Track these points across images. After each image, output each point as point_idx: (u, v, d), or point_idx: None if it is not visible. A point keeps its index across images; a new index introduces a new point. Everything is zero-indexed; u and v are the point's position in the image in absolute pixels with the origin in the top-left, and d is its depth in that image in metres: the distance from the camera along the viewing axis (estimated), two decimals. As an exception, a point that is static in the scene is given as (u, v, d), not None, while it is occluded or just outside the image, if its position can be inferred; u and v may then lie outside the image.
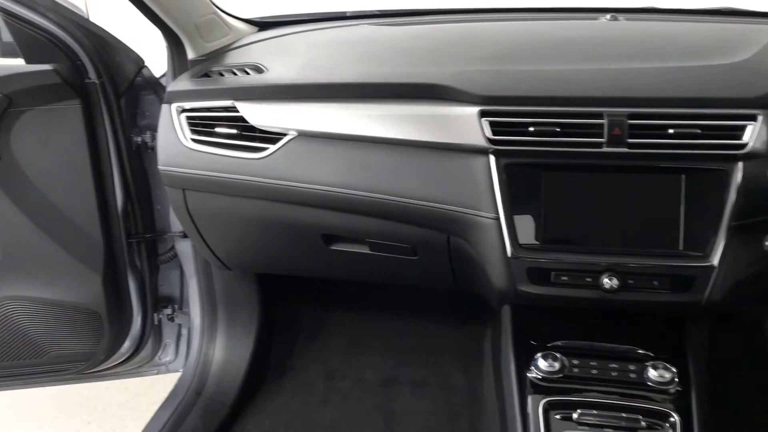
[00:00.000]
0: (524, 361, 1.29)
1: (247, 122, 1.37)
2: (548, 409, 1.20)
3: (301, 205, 1.39)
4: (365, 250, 1.47)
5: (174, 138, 1.42)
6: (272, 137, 1.37)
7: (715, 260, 1.17)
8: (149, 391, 2.38)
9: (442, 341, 2.11)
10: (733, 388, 1.78)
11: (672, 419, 1.17)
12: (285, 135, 1.36)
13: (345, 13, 1.94)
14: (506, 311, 1.42)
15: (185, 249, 1.85)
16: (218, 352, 1.98)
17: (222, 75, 1.47)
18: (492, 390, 1.78)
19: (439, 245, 1.36)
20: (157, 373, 2.07)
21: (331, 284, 2.19)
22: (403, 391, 1.98)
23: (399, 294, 2.18)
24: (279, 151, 1.36)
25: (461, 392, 1.96)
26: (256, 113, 1.37)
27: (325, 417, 1.91)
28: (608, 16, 1.66)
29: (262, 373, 2.03)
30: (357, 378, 2.03)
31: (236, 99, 1.38)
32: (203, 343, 1.97)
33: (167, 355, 2.04)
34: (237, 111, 1.38)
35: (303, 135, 1.35)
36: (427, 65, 1.37)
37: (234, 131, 1.38)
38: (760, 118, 1.16)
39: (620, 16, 1.66)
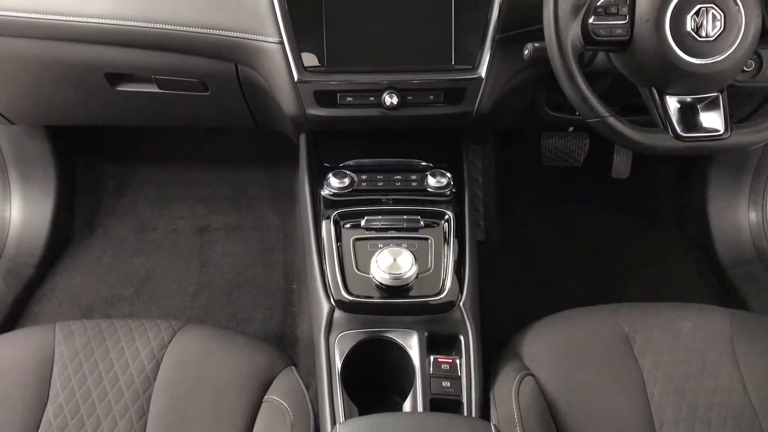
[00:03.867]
0: (317, 181, 1.36)
1: None
2: (338, 220, 1.29)
3: (76, 41, 1.31)
4: (153, 88, 1.43)
5: None
6: None
7: (483, 72, 1.27)
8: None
9: (254, 187, 2.14)
10: (503, 192, 2.01)
11: (447, 216, 1.30)
12: None
13: None
14: (302, 140, 1.46)
15: None
16: (15, 213, 1.88)
17: None
18: None
19: (228, 76, 1.35)
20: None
21: (133, 137, 2.12)
22: (218, 236, 2.02)
23: (207, 143, 2.16)
24: None
25: (274, 230, 2.03)
26: None
27: (138, 267, 1.92)
28: None
29: (67, 231, 1.97)
30: (169, 229, 2.03)
31: None
32: None
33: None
34: None
35: None
36: None
37: None
38: None
39: None
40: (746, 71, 1.40)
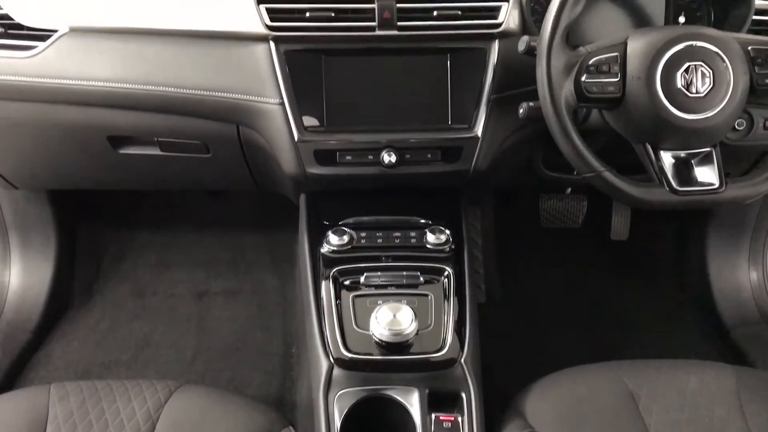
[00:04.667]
0: (317, 239, 1.36)
1: (13, 20, 1.29)
2: (337, 277, 1.28)
3: (80, 105, 1.34)
4: (156, 151, 1.45)
5: None
6: (42, 34, 1.30)
7: (479, 131, 1.30)
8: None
9: (254, 250, 2.14)
10: (503, 252, 2.02)
11: (446, 272, 1.30)
12: (56, 31, 1.29)
13: None
14: (302, 199, 1.48)
15: None
16: (14, 278, 1.88)
17: None
18: None
19: (229, 138, 1.38)
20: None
21: (133, 202, 2.14)
22: (216, 300, 2.01)
23: (207, 207, 2.18)
24: (50, 48, 1.29)
25: (274, 294, 2.02)
26: (22, 9, 1.29)
27: (136, 332, 1.90)
28: None
29: (66, 296, 1.96)
30: (168, 293, 2.03)
31: None
32: None
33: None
34: (0, 8, 1.29)
35: (75, 30, 1.29)
36: None
37: None
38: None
39: None
40: (738, 130, 1.43)
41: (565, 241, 2.13)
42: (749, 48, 1.11)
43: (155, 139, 1.42)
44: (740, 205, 1.84)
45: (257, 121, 1.31)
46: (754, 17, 1.32)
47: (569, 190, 1.98)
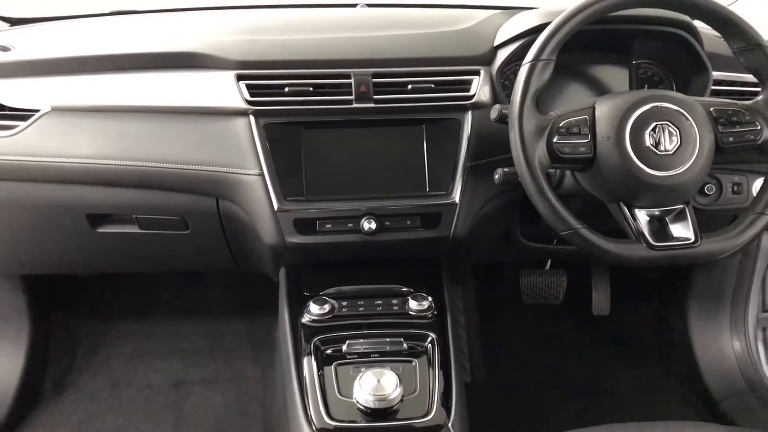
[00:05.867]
0: (297, 310, 1.35)
1: None
2: (319, 345, 1.26)
3: (59, 182, 1.35)
4: (134, 229, 1.45)
5: None
6: (23, 114, 1.32)
7: (457, 198, 1.32)
8: None
9: (233, 337, 2.10)
10: (486, 332, 2.00)
11: (430, 338, 1.28)
12: (37, 111, 1.32)
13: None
14: (282, 273, 1.47)
15: None
16: None
17: None
18: None
19: (208, 212, 1.38)
20: None
21: (108, 289, 2.10)
22: (193, 390, 1.95)
23: (183, 294, 2.15)
24: (30, 127, 1.31)
25: (253, 382, 1.97)
26: (4, 90, 1.32)
27: (110, 424, 1.82)
28: (363, 3, 1.82)
29: (38, 389, 1.89)
30: (144, 384, 1.96)
31: None
32: None
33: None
34: None
35: (57, 110, 1.32)
36: (183, 38, 1.41)
37: None
38: (482, 72, 1.34)
39: (374, 6, 1.84)
40: (708, 195, 1.47)
41: (548, 318, 2.12)
42: (711, 109, 1.16)
43: (134, 216, 1.42)
44: (716, 275, 1.87)
45: (237, 193, 1.32)
46: (713, 87, 1.39)
47: (549, 264, 2.00)
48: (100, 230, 1.46)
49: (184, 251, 1.56)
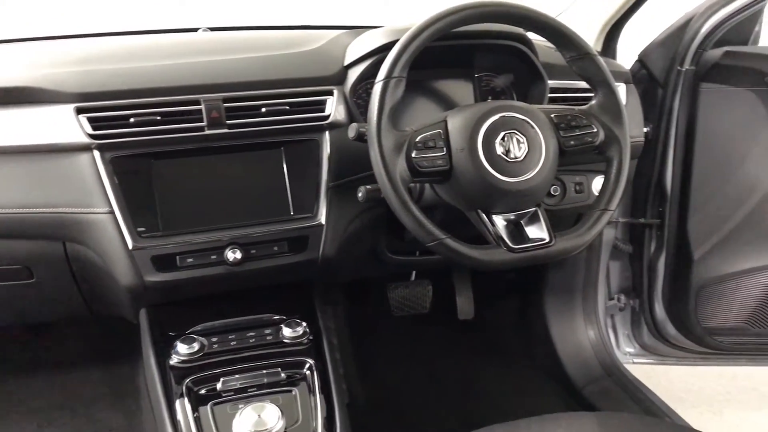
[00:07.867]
0: (164, 352, 1.27)
1: None
2: (192, 387, 1.20)
3: None
4: None
5: None
6: None
7: (322, 219, 1.31)
8: None
9: (91, 389, 1.95)
10: (360, 349, 2.01)
11: (308, 363, 1.26)
12: None
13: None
14: (142, 315, 1.38)
15: None
16: None
17: None
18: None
19: (56, 257, 1.27)
20: None
21: None
22: None
23: (32, 346, 1.97)
24: None
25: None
26: None
27: None
28: (205, 27, 1.77)
29: None
30: None
31: None
32: None
33: None
34: None
35: None
36: (12, 71, 1.29)
37: None
38: (335, 92, 1.34)
39: (217, 29, 1.79)
40: (554, 196, 1.56)
41: (418, 328, 2.16)
42: (552, 115, 1.23)
43: None
44: (567, 270, 2.00)
45: (86, 234, 1.23)
46: (550, 95, 1.48)
47: (414, 275, 2.03)
48: None
49: (29, 302, 1.43)
